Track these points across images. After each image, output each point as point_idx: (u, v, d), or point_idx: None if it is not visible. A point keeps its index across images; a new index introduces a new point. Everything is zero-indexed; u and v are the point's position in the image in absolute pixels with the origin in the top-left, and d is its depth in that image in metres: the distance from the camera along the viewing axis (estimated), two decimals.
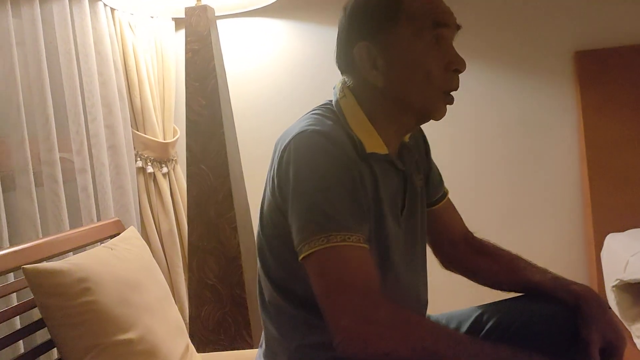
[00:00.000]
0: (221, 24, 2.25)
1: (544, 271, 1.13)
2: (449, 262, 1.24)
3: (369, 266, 0.89)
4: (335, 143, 0.93)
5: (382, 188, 0.99)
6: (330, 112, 1.02)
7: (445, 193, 1.22)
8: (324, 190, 0.90)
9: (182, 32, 2.00)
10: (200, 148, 1.92)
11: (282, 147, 0.95)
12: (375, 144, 1.00)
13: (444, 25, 0.97)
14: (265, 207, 1.02)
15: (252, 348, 1.81)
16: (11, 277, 1.34)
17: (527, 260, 1.16)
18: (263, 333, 1.12)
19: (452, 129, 2.22)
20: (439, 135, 2.21)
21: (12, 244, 1.44)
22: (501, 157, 2.27)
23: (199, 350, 1.78)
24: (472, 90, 2.23)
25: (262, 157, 2.33)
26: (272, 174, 0.98)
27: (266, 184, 1.02)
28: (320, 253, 0.87)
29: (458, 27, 1.01)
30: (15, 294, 1.35)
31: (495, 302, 1.16)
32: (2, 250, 1.21)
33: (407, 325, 0.88)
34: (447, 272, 1.24)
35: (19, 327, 1.34)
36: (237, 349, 1.86)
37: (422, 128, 1.15)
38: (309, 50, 2.31)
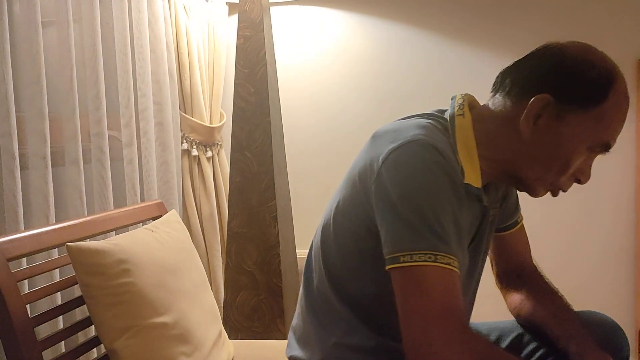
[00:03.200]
0: (275, 11, 2.23)
1: (576, 332, 1.02)
2: (503, 286, 1.20)
3: (461, 296, 0.86)
4: (448, 161, 0.89)
5: (465, 218, 0.95)
6: (442, 125, 0.97)
7: (519, 220, 1.18)
8: (436, 206, 0.85)
9: (235, 17, 1.99)
10: (246, 135, 1.92)
11: (389, 147, 0.89)
12: (472, 176, 0.95)
13: (607, 148, 0.93)
14: (346, 201, 0.98)
15: (284, 339, 1.81)
16: (55, 253, 1.36)
17: (571, 312, 1.08)
18: (300, 318, 1.11)
19: None
20: None
21: (58, 220, 1.47)
22: None
23: (231, 335, 1.79)
24: None
25: (306, 148, 2.33)
26: (365, 170, 0.93)
27: (352, 177, 0.97)
28: (424, 269, 0.83)
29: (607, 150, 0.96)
30: (58, 269, 1.38)
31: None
32: (48, 226, 1.23)
33: None
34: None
35: (59, 302, 1.37)
36: (270, 338, 1.87)
37: None
38: (367, 45, 2.23)
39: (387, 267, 0.86)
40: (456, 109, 0.98)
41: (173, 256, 1.33)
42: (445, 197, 0.86)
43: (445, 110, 1.01)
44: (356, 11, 2.24)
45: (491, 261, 1.21)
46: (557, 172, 0.93)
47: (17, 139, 1.36)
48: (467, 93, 1.01)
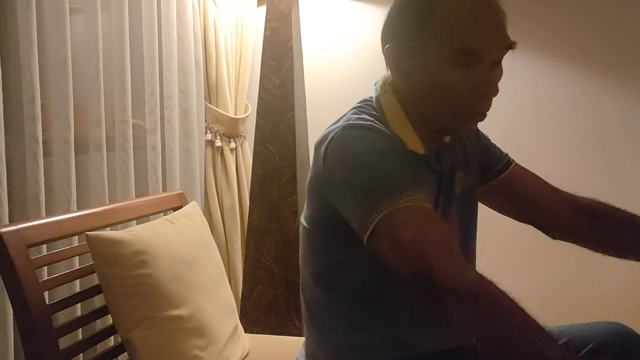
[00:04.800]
0: (303, 3, 2.20)
1: None
2: (555, 231, 1.13)
3: (441, 223, 0.85)
4: (380, 133, 0.91)
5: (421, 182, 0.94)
6: (370, 108, 0.99)
7: (510, 161, 1.14)
8: (380, 163, 0.86)
9: (264, 8, 1.97)
10: (269, 128, 1.90)
11: (326, 143, 0.92)
12: (413, 143, 0.96)
13: (473, 51, 0.88)
14: (309, 208, 1.01)
15: (300, 335, 1.80)
16: (76, 241, 1.37)
17: None
18: (305, 334, 1.11)
19: (553, 133, 2.09)
20: (539, 145, 2.13)
21: (79, 206, 1.48)
22: (602, 167, 2.10)
23: (247, 329, 1.79)
24: (571, 97, 2.07)
25: None
26: (313, 171, 0.97)
27: (309, 188, 1.00)
28: (390, 215, 0.82)
29: (508, 47, 0.91)
30: (78, 257, 1.39)
31: (563, 325, 1.09)
32: (69, 213, 1.24)
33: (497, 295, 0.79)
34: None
35: (78, 289, 1.38)
36: (286, 333, 1.86)
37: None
38: None
39: (364, 239, 0.84)
40: (379, 90, 1.01)
41: (191, 249, 1.33)
42: (389, 156, 0.87)
43: (372, 97, 1.04)
44: (387, 5, 2.20)
45: (531, 223, 1.14)
46: (448, 100, 0.91)
47: (42, 125, 1.37)
48: (385, 74, 1.02)
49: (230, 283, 2.05)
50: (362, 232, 0.85)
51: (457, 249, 0.82)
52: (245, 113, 2.19)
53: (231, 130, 2.13)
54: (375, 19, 2.21)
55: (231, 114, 2.12)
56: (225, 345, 1.32)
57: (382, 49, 1.00)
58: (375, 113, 0.98)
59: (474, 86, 0.89)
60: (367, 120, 0.94)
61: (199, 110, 2.02)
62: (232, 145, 2.15)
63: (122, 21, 1.65)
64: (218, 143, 2.12)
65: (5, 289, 1.07)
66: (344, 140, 0.90)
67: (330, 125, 0.97)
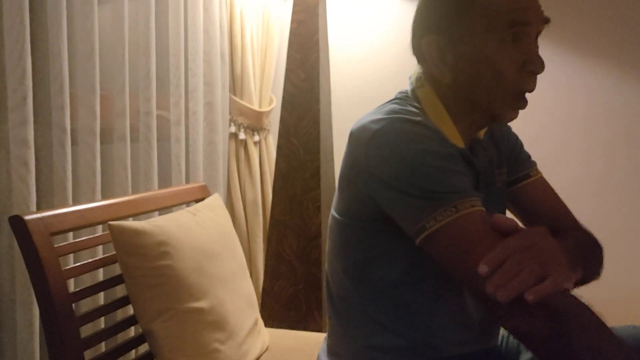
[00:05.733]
0: None
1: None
2: None
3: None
4: (426, 127, 0.89)
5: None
6: (410, 100, 0.97)
7: (531, 174, 1.11)
8: (430, 164, 0.84)
9: (290, 1, 1.96)
10: (294, 121, 1.89)
11: (368, 133, 0.89)
12: (453, 137, 0.94)
13: (522, 23, 0.88)
14: (343, 200, 0.97)
15: (320, 331, 1.79)
16: (100, 230, 1.37)
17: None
18: (328, 328, 1.09)
19: (584, 132, 2.04)
20: (571, 143, 2.07)
21: (103, 196, 1.48)
22: (632, 167, 2.05)
23: (267, 323, 1.78)
24: (604, 95, 2.02)
25: None
26: (349, 161, 0.94)
27: (342, 178, 0.97)
28: (452, 223, 0.81)
29: (545, 21, 0.92)
30: (101, 246, 1.39)
31: None
32: (93, 203, 1.24)
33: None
34: None
35: (101, 279, 1.38)
36: (306, 328, 1.85)
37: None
38: None
39: (417, 242, 0.84)
40: (415, 84, 0.99)
41: (213, 241, 1.32)
42: (436, 155, 0.86)
43: (406, 90, 1.01)
44: None
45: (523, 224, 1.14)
46: (500, 78, 0.90)
47: (70, 114, 1.37)
48: (419, 68, 1.00)
49: (251, 277, 2.05)
50: (416, 233, 0.84)
51: None
52: (270, 106, 2.18)
53: (255, 123, 2.12)
54: (403, 11, 2.17)
55: (256, 107, 2.11)
56: (245, 339, 1.31)
57: (415, 43, 0.98)
58: (416, 105, 0.96)
59: (523, 64, 0.90)
60: (413, 113, 0.92)
61: (224, 103, 2.01)
62: (256, 138, 2.14)
63: (148, 13, 1.65)
64: (242, 136, 2.11)
65: (29, 277, 1.07)
66: (393, 134, 0.87)
67: (369, 115, 0.94)
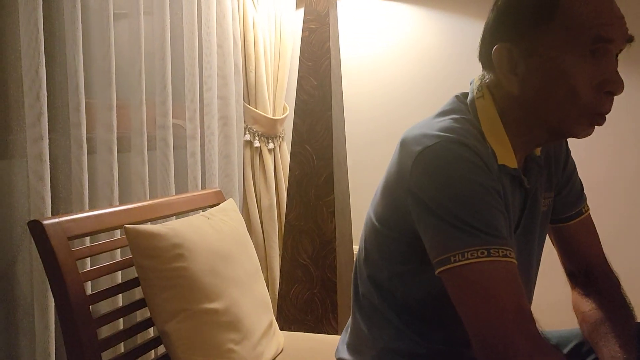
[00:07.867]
0: (341, 4, 2.21)
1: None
2: (572, 283, 1.12)
3: (522, 287, 0.81)
4: (477, 153, 0.84)
5: (509, 204, 0.91)
6: (464, 114, 0.93)
7: (583, 211, 1.10)
8: (475, 199, 0.81)
9: (302, 10, 1.99)
10: (307, 128, 1.92)
11: (419, 148, 0.86)
12: (506, 156, 0.90)
13: (606, 40, 0.83)
14: (383, 206, 0.95)
15: (336, 334, 1.80)
16: (117, 235, 1.41)
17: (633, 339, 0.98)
18: (351, 322, 1.10)
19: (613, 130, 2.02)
20: (598, 147, 2.03)
21: (121, 202, 1.52)
22: None
23: (283, 327, 1.80)
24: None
25: (367, 144, 2.30)
26: (396, 169, 0.91)
27: (386, 185, 0.94)
28: (479, 266, 0.78)
29: (629, 40, 0.86)
30: (119, 250, 1.43)
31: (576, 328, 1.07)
32: (112, 207, 1.28)
33: None
34: None
35: (119, 281, 1.42)
36: (322, 332, 1.86)
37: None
38: (437, 41, 2.15)
39: (438, 271, 0.81)
40: (475, 92, 0.94)
41: (227, 244, 1.34)
42: (482, 188, 0.82)
43: (466, 96, 0.98)
44: (426, 6, 2.18)
45: (559, 257, 1.14)
46: (574, 96, 0.84)
47: (86, 124, 1.42)
48: (482, 74, 0.96)
49: (267, 281, 2.07)
50: (439, 263, 0.82)
51: (530, 311, 0.79)
52: (283, 114, 2.21)
53: (269, 131, 2.15)
54: (414, 20, 2.20)
55: (270, 115, 2.14)
56: (259, 340, 1.33)
57: (483, 49, 0.93)
58: (474, 121, 0.92)
59: (601, 82, 0.85)
60: (466, 134, 0.87)
61: (238, 114, 2.05)
62: (271, 145, 2.17)
63: (164, 26, 1.70)
64: (257, 144, 2.14)
65: (47, 279, 1.11)
66: (443, 155, 0.83)
67: (424, 126, 0.91)
